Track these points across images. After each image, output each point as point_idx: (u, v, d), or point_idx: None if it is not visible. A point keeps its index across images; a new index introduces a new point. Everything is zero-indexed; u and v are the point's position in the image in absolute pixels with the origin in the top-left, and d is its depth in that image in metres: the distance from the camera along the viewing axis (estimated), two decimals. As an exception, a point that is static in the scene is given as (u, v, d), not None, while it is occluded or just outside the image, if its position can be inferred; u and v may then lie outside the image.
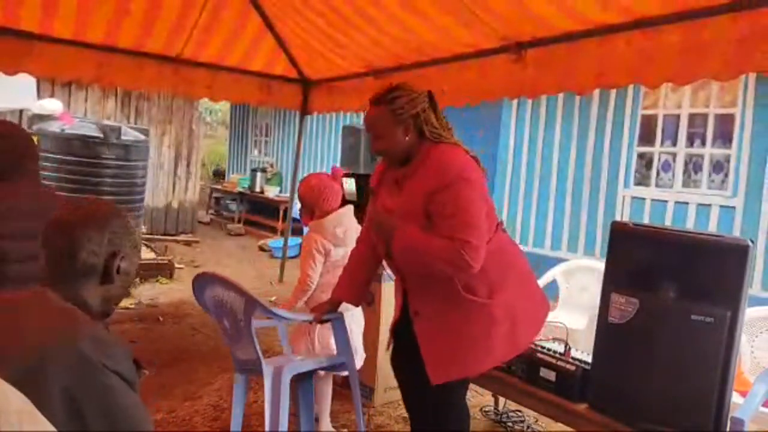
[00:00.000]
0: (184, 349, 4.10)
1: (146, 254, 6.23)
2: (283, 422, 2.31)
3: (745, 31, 2.34)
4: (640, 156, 5.94)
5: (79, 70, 4.50)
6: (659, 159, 5.82)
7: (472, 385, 3.08)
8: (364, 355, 2.93)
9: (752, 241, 1.79)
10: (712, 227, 5.26)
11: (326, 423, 2.90)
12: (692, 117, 5.60)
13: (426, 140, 2.00)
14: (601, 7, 2.73)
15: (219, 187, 11.94)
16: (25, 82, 6.00)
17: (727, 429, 1.80)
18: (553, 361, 2.21)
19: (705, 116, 5.49)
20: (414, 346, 2.03)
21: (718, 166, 5.41)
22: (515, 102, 6.63)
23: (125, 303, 4.76)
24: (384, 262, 2.30)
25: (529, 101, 6.48)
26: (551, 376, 2.19)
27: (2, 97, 6.47)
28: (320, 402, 2.89)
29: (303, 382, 2.67)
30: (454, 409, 2.14)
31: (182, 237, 8.74)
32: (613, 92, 5.89)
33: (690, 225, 5.39)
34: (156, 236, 8.22)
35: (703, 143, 5.50)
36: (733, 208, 5.16)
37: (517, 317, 2.01)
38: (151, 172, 7.91)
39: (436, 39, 3.69)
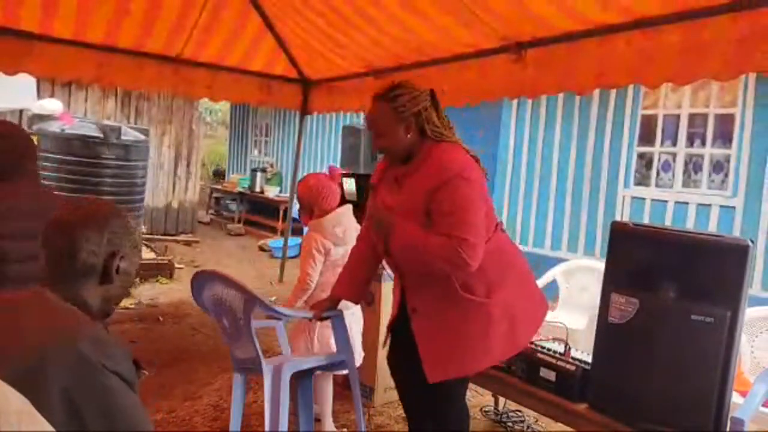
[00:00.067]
0: (184, 349, 4.10)
1: (146, 254, 6.23)
2: (283, 421, 2.30)
3: (745, 31, 2.34)
4: (640, 156, 5.94)
5: (79, 70, 4.50)
6: (659, 159, 5.82)
7: (472, 385, 3.09)
8: (362, 354, 2.93)
9: (752, 241, 1.79)
10: (712, 227, 5.26)
11: (329, 423, 2.90)
12: (692, 117, 5.60)
13: (427, 139, 2.00)
14: (601, 7, 2.73)
15: (219, 187, 11.94)
16: (25, 82, 6.00)
17: (727, 429, 1.80)
18: (553, 361, 2.21)
19: (705, 116, 5.49)
20: (412, 344, 2.03)
21: (718, 166, 5.41)
22: (515, 102, 6.63)
23: (125, 303, 4.76)
24: (384, 261, 2.30)
25: (529, 101, 6.47)
26: (551, 376, 2.19)
27: (2, 97, 6.47)
28: (321, 401, 2.89)
29: (302, 381, 2.66)
30: (453, 409, 2.14)
31: (182, 237, 8.74)
32: (613, 92, 5.89)
33: (690, 225, 5.39)
34: (156, 236, 8.22)
35: (703, 143, 5.50)
36: (733, 208, 5.16)
37: (515, 317, 2.02)
38: (151, 172, 7.91)
39: (436, 39, 3.69)
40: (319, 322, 2.65)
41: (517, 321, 2.03)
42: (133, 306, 5.02)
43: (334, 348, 2.64)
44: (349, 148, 7.52)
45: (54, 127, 6.19)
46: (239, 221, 10.42)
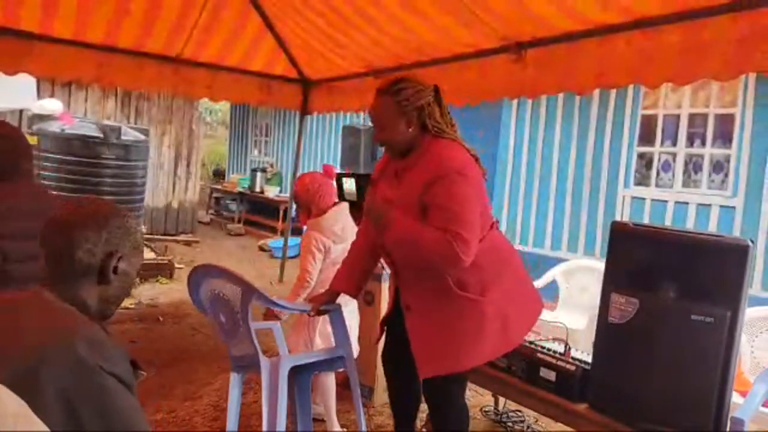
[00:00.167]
0: (184, 349, 4.10)
1: (146, 254, 6.23)
2: (281, 417, 2.26)
3: (745, 31, 2.34)
4: (640, 156, 5.94)
5: (79, 70, 4.50)
6: (659, 159, 5.82)
7: (472, 385, 3.09)
8: (358, 348, 2.93)
9: (752, 241, 1.78)
10: (712, 227, 5.26)
11: (335, 423, 2.90)
12: (692, 117, 5.60)
13: (428, 134, 2.01)
14: (601, 7, 2.73)
15: (219, 187, 11.94)
16: (25, 82, 6.00)
17: (727, 429, 1.79)
18: (553, 361, 2.21)
19: (705, 116, 5.49)
20: (406, 341, 2.04)
21: (718, 166, 5.41)
22: (515, 102, 6.63)
23: (125, 303, 4.75)
24: (382, 259, 2.30)
25: (529, 101, 6.47)
26: (551, 376, 2.19)
27: (2, 97, 6.48)
28: (325, 399, 2.90)
29: (300, 380, 2.64)
30: (453, 409, 2.14)
31: (182, 237, 8.74)
32: (613, 92, 5.89)
33: (690, 225, 5.39)
34: (156, 236, 8.23)
35: (703, 143, 5.50)
36: (733, 208, 5.16)
37: (508, 315, 2.03)
38: (151, 172, 7.91)
39: (436, 39, 3.69)
40: (321, 318, 2.65)
41: (511, 319, 2.04)
42: (133, 306, 5.02)
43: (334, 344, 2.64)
44: (349, 148, 7.53)
45: (54, 127, 6.19)
46: (239, 221, 10.42)
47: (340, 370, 2.67)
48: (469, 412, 2.22)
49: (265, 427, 2.27)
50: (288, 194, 7.70)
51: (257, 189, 10.34)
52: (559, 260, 4.55)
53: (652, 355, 1.87)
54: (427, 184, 1.91)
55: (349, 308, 2.69)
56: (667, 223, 5.51)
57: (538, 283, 3.75)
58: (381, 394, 3.31)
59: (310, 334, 2.83)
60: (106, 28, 4.29)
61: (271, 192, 10.06)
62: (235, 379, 2.49)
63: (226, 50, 4.93)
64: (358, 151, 7.29)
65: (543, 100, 6.41)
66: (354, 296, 2.43)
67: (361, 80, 4.76)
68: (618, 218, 5.77)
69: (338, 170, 5.94)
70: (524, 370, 2.28)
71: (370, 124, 5.36)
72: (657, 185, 5.81)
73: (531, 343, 2.36)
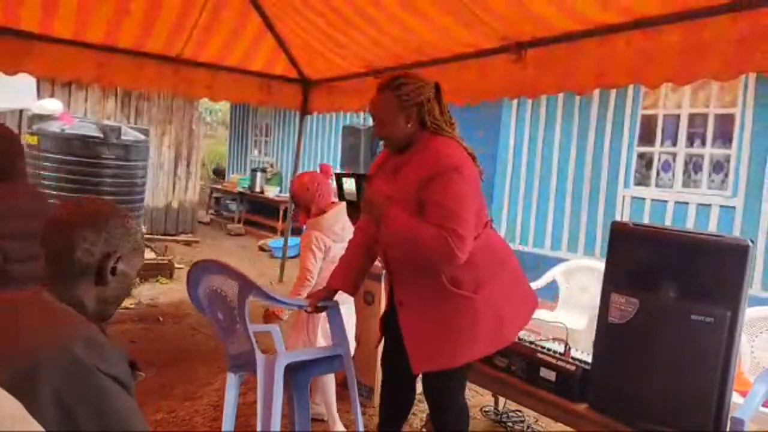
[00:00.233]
0: (184, 349, 4.10)
1: (146, 254, 6.22)
2: (276, 416, 2.23)
3: (745, 31, 2.34)
4: (640, 156, 5.93)
5: (79, 70, 4.51)
6: (659, 159, 5.82)
7: (472, 385, 3.09)
8: (355, 345, 2.93)
9: (752, 241, 1.79)
10: (712, 227, 5.26)
11: (337, 421, 2.89)
12: (692, 117, 5.60)
13: (426, 131, 2.02)
14: (601, 7, 2.73)
15: (219, 187, 11.95)
16: (25, 82, 6.00)
17: (727, 429, 1.79)
18: (553, 361, 2.21)
19: (705, 116, 5.49)
20: (401, 338, 2.05)
21: (718, 166, 5.41)
22: (515, 102, 6.63)
23: (125, 303, 4.75)
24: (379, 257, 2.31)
25: (529, 101, 6.47)
26: (551, 376, 2.19)
27: (2, 97, 6.48)
28: (326, 397, 2.91)
29: (298, 378, 2.62)
30: (453, 408, 2.15)
31: (182, 237, 8.74)
32: (613, 92, 5.89)
33: (690, 225, 5.39)
34: (156, 236, 8.23)
35: (703, 143, 5.50)
36: (733, 208, 5.16)
37: (501, 312, 2.04)
38: (151, 172, 7.91)
39: (436, 39, 3.69)
40: (321, 317, 2.64)
41: (504, 317, 2.05)
42: (133, 306, 5.02)
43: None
44: (349, 148, 7.53)
45: (54, 127, 6.19)
46: (239, 221, 10.42)
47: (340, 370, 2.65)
48: (469, 412, 2.22)
49: (259, 427, 2.24)
50: (288, 194, 7.70)
51: (257, 189, 10.34)
52: (559, 260, 4.55)
53: (652, 355, 1.87)
54: (424, 181, 1.91)
55: (346, 306, 2.68)
56: (667, 223, 5.51)
57: (538, 283, 3.75)
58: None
59: (309, 335, 2.82)
60: (106, 28, 4.29)
61: (271, 192, 10.06)
62: (232, 380, 2.46)
63: (226, 50, 4.93)
64: (358, 151, 7.30)
65: (543, 100, 6.41)
66: (351, 294, 2.43)
67: (361, 80, 4.76)
68: (618, 218, 5.77)
69: (338, 170, 5.94)
70: (524, 370, 2.29)
71: (370, 124, 5.36)
72: (657, 185, 5.81)
73: (531, 343, 2.36)
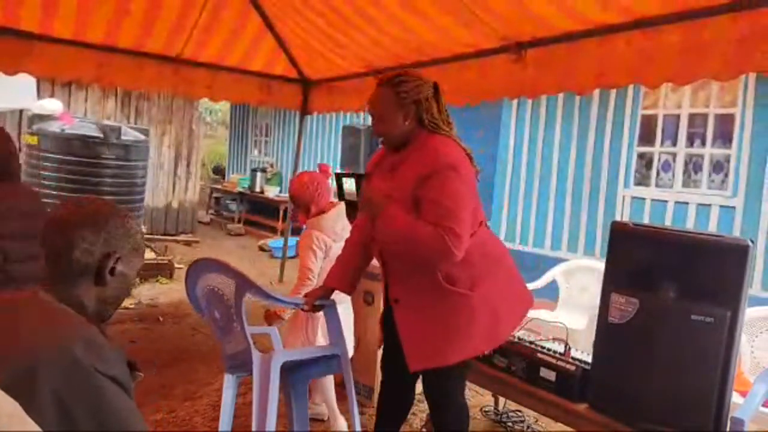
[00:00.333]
0: (184, 349, 4.10)
1: (146, 254, 6.22)
2: (272, 416, 2.21)
3: (745, 31, 2.34)
4: (640, 156, 5.93)
5: (79, 70, 4.50)
6: (659, 159, 5.82)
7: (472, 385, 3.09)
8: (353, 342, 2.93)
9: (752, 241, 1.78)
10: (712, 227, 5.26)
11: (339, 418, 2.89)
12: (692, 117, 5.60)
13: (424, 129, 2.03)
14: (601, 7, 2.73)
15: (219, 187, 11.95)
16: (25, 82, 6.00)
17: (727, 429, 1.80)
18: (553, 361, 2.21)
19: (705, 116, 5.49)
20: (397, 336, 2.06)
21: (718, 166, 5.41)
22: (515, 102, 6.63)
23: (125, 303, 4.75)
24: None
25: (529, 101, 6.47)
26: (551, 376, 2.19)
27: (2, 97, 6.48)
28: (326, 396, 2.92)
29: (296, 379, 2.61)
30: (452, 407, 2.15)
31: (182, 237, 8.74)
32: (613, 92, 5.89)
33: (690, 225, 5.39)
34: (156, 236, 8.22)
35: (703, 143, 5.50)
36: (733, 208, 5.16)
37: (497, 310, 2.04)
38: (151, 172, 7.91)
39: (436, 39, 3.69)
40: (320, 317, 2.64)
41: (499, 314, 2.05)
42: (133, 306, 5.02)
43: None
44: (349, 148, 7.53)
45: (54, 127, 6.19)
46: (239, 221, 10.42)
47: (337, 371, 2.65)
48: (469, 412, 2.22)
49: (254, 426, 2.23)
50: (288, 194, 7.70)
51: (257, 189, 10.34)
52: (559, 260, 4.55)
53: (652, 355, 1.87)
54: (421, 179, 1.92)
55: (343, 306, 2.68)
56: (667, 223, 5.51)
57: (538, 283, 3.75)
58: (381, 394, 3.31)
59: (308, 334, 2.82)
60: (106, 28, 4.29)
61: (271, 192, 10.06)
62: (229, 381, 2.45)
63: (226, 50, 4.93)
64: (358, 151, 7.29)
65: (543, 100, 6.41)
66: (348, 293, 2.43)
67: (361, 80, 4.76)
68: (618, 218, 5.77)
69: (338, 170, 5.94)
70: (524, 370, 2.29)
71: (370, 124, 5.35)
72: (657, 185, 5.81)
73: (531, 343, 2.36)
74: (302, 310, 2.48)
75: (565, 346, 2.28)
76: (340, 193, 3.62)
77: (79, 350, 1.03)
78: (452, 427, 2.15)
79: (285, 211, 8.58)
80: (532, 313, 2.95)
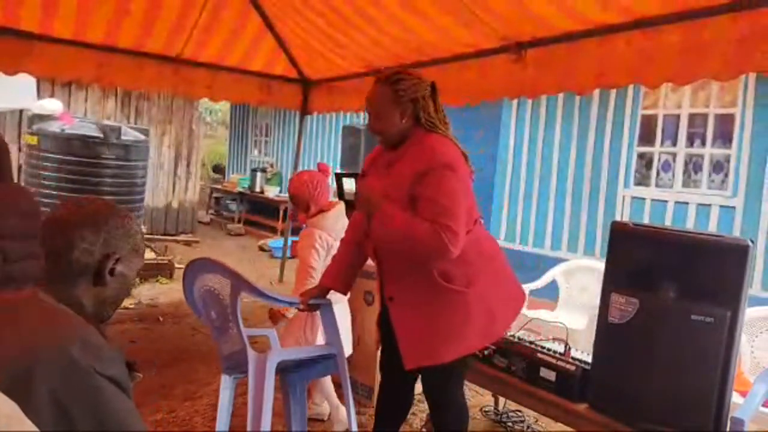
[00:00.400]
0: (184, 349, 4.10)
1: (146, 254, 6.22)
2: (267, 416, 2.20)
3: (745, 31, 2.34)
4: (640, 156, 5.94)
5: (79, 70, 4.51)
6: (659, 159, 5.82)
7: (472, 385, 3.09)
8: (350, 341, 2.94)
9: (752, 241, 1.79)
10: (712, 227, 5.26)
11: (342, 411, 2.89)
12: (692, 117, 5.60)
13: (421, 127, 2.04)
14: (601, 7, 2.73)
15: (219, 187, 11.95)
16: (25, 82, 6.00)
17: (727, 429, 1.80)
18: (553, 361, 2.21)
19: (705, 116, 5.49)
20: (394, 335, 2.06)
21: (718, 166, 5.41)
22: (515, 102, 6.63)
23: (125, 303, 4.75)
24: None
25: (529, 101, 6.47)
26: (551, 376, 2.19)
27: (2, 97, 6.48)
28: (326, 394, 2.93)
29: (293, 379, 2.61)
30: (452, 407, 2.15)
31: (182, 237, 8.74)
32: (613, 92, 5.89)
33: (690, 225, 5.39)
34: (156, 236, 8.22)
35: (703, 143, 5.50)
36: (733, 208, 5.16)
37: (492, 307, 2.05)
38: (151, 172, 7.91)
39: (436, 39, 3.69)
40: (318, 317, 2.63)
41: (494, 312, 2.06)
42: (133, 306, 5.02)
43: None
44: (349, 148, 7.53)
45: (54, 127, 6.19)
46: (239, 221, 10.42)
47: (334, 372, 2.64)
48: (469, 412, 2.22)
49: (249, 426, 2.22)
50: (288, 194, 7.70)
51: (257, 189, 10.35)
52: (559, 260, 4.55)
53: (652, 355, 1.87)
54: (417, 176, 1.93)
55: (339, 306, 2.67)
56: (667, 223, 5.51)
57: (538, 283, 3.75)
58: (381, 394, 3.31)
59: (308, 334, 2.81)
60: (106, 28, 4.29)
61: (271, 192, 10.06)
62: (226, 382, 2.45)
63: (226, 50, 4.93)
64: (358, 151, 7.29)
65: (543, 100, 6.41)
66: (343, 293, 2.43)
67: (361, 80, 4.76)
68: (618, 218, 5.77)
69: (338, 170, 5.94)
70: (524, 370, 2.29)
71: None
72: (657, 185, 5.81)
73: (531, 343, 2.36)
74: (298, 309, 2.48)
75: (565, 346, 2.28)
76: (340, 193, 3.62)
77: (77, 350, 1.03)
78: (452, 427, 2.15)
79: (285, 211, 8.58)
80: (532, 313, 2.96)
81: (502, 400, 3.21)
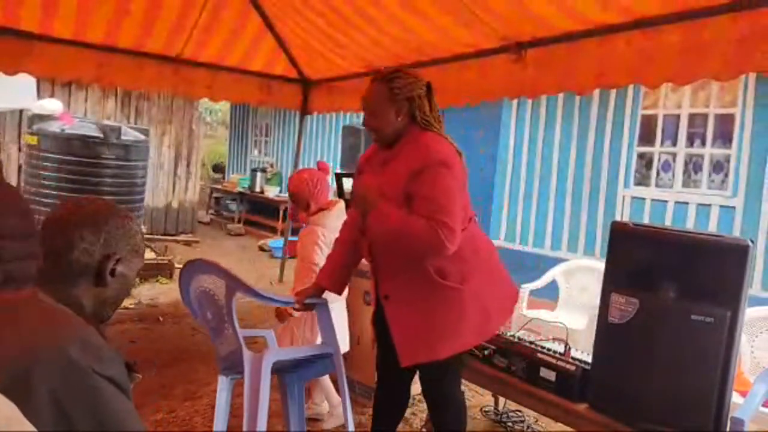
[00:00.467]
0: (184, 349, 4.10)
1: (146, 254, 6.22)
2: (263, 416, 2.20)
3: (745, 31, 2.34)
4: (640, 156, 5.94)
5: (79, 70, 4.51)
6: (659, 159, 5.82)
7: (472, 385, 3.09)
8: (347, 340, 2.94)
9: (752, 241, 1.78)
10: (712, 227, 5.26)
11: (344, 410, 2.89)
12: (692, 117, 5.60)
13: (416, 126, 2.05)
14: (601, 7, 2.73)
15: (219, 187, 11.95)
16: (25, 82, 6.00)
17: (727, 429, 1.79)
18: (553, 361, 2.21)
19: (705, 116, 5.49)
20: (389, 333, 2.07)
21: (718, 166, 5.41)
22: (515, 102, 6.63)
23: (125, 303, 4.75)
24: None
25: (529, 101, 6.47)
26: (551, 376, 2.19)
27: (2, 97, 6.48)
28: (326, 393, 2.93)
29: (291, 379, 2.60)
30: (451, 406, 2.15)
31: (182, 237, 8.74)
32: (613, 92, 5.89)
33: (690, 225, 5.39)
34: (156, 236, 8.23)
35: (703, 143, 5.50)
36: (733, 208, 5.16)
37: (487, 304, 2.07)
38: (151, 172, 7.91)
39: (436, 39, 3.69)
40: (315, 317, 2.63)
41: (489, 309, 2.08)
42: (133, 306, 5.02)
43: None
44: (349, 148, 7.54)
45: (54, 127, 6.19)
46: (239, 221, 10.42)
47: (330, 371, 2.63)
48: (468, 412, 2.23)
49: (245, 426, 2.22)
50: (288, 194, 7.69)
51: (257, 189, 10.35)
52: (559, 260, 4.54)
53: (652, 355, 1.87)
54: (412, 174, 1.94)
55: (336, 305, 2.67)
56: (667, 223, 5.51)
57: (538, 283, 3.75)
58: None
59: (307, 333, 2.81)
60: (106, 28, 4.29)
61: (271, 192, 10.06)
62: (223, 383, 2.45)
63: (226, 50, 4.93)
64: (358, 151, 7.28)
65: (543, 100, 6.41)
66: (338, 293, 2.43)
67: (361, 80, 4.75)
68: (618, 218, 5.77)
69: (338, 170, 5.94)
70: (524, 370, 2.28)
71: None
72: (657, 185, 5.81)
73: (531, 343, 2.36)
74: (293, 309, 2.48)
75: (565, 346, 2.28)
76: (340, 193, 3.62)
77: (76, 351, 1.03)
78: (452, 427, 2.16)
79: (285, 211, 8.58)
80: (532, 313, 2.96)
81: (502, 400, 3.21)
